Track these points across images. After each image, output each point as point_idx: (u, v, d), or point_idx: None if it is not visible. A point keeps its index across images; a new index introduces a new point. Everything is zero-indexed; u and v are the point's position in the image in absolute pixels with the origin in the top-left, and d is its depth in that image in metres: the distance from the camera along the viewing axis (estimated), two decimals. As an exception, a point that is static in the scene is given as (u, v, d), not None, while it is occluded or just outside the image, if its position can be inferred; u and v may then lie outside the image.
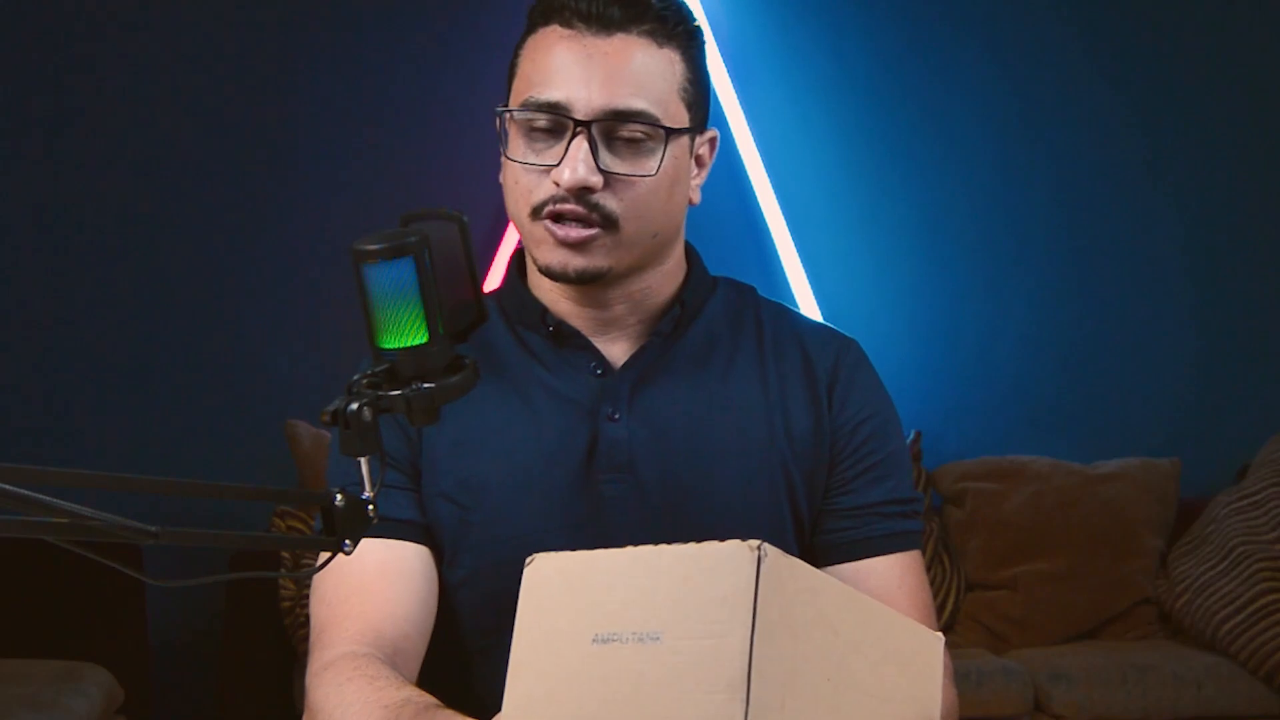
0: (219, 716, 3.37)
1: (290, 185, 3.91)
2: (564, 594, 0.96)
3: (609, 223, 1.36)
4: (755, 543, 0.88)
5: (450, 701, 1.48)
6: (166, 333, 3.85)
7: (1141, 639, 3.68)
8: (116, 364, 3.83)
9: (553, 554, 0.99)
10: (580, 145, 1.34)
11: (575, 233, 1.36)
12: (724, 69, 3.98)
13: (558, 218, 1.36)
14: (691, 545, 0.91)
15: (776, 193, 4.04)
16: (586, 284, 1.40)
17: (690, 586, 0.90)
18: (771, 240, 4.03)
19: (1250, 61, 4.20)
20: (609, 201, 1.35)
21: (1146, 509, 3.79)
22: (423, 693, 1.24)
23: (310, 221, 3.89)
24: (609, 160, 1.35)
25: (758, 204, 4.03)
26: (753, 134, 4.03)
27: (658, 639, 0.90)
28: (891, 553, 1.45)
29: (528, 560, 0.99)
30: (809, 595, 0.91)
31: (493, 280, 3.65)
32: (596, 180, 1.34)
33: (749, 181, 4.02)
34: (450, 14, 3.96)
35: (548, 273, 1.39)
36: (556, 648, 0.95)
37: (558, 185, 1.34)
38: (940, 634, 1.02)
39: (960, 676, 3.41)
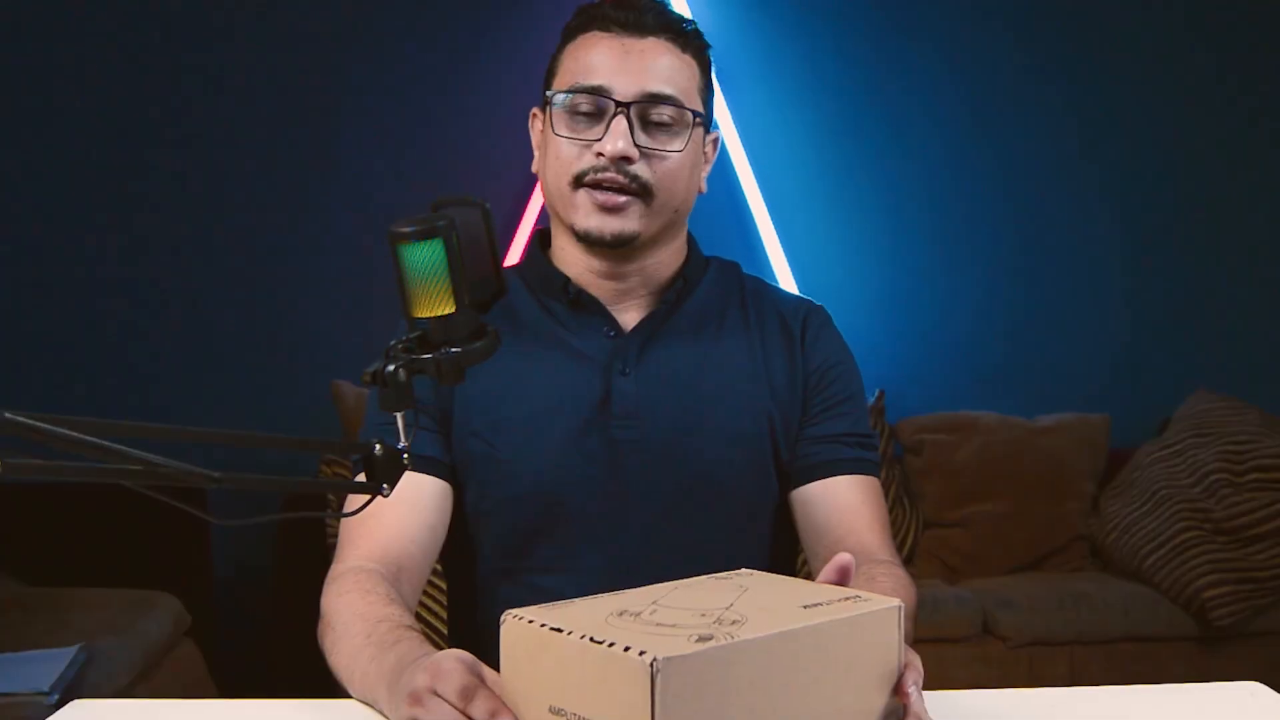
0: (272, 638, 3.38)
1: (336, 176, 3.90)
2: (528, 660, 0.91)
3: (644, 191, 1.40)
4: (650, 657, 0.79)
5: (476, 617, 1.49)
6: (230, 306, 3.85)
7: (1076, 571, 3.69)
8: (184, 332, 3.83)
9: (522, 612, 0.92)
10: (621, 123, 1.38)
11: (613, 198, 1.39)
12: (712, 73, 3.95)
13: (597, 185, 1.39)
14: (604, 650, 0.83)
15: (759, 182, 4.02)
16: (618, 247, 1.42)
17: (608, 687, 0.83)
18: (754, 223, 4.02)
19: (1170, 68, 4.18)
20: (644, 172, 1.40)
21: (1081, 458, 3.80)
22: (404, 611, 1.23)
23: (353, 208, 3.88)
24: (644, 138, 1.40)
25: (742, 192, 4.01)
26: (738, 131, 4.01)
27: None
28: (854, 474, 1.47)
29: (502, 618, 0.93)
30: (722, 670, 0.82)
31: (511, 258, 3.63)
32: (634, 152, 1.38)
33: (735, 172, 4.00)
34: (479, 29, 3.93)
35: (585, 236, 1.42)
36: (524, 709, 0.91)
37: (600, 156, 1.38)
38: (898, 601, 0.94)
39: (918, 604, 3.42)
